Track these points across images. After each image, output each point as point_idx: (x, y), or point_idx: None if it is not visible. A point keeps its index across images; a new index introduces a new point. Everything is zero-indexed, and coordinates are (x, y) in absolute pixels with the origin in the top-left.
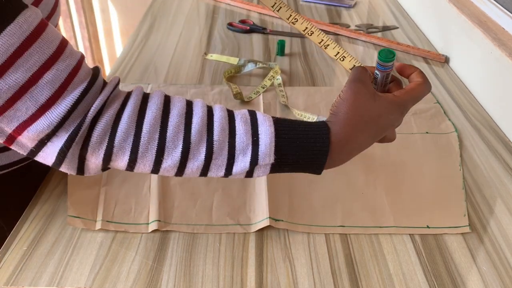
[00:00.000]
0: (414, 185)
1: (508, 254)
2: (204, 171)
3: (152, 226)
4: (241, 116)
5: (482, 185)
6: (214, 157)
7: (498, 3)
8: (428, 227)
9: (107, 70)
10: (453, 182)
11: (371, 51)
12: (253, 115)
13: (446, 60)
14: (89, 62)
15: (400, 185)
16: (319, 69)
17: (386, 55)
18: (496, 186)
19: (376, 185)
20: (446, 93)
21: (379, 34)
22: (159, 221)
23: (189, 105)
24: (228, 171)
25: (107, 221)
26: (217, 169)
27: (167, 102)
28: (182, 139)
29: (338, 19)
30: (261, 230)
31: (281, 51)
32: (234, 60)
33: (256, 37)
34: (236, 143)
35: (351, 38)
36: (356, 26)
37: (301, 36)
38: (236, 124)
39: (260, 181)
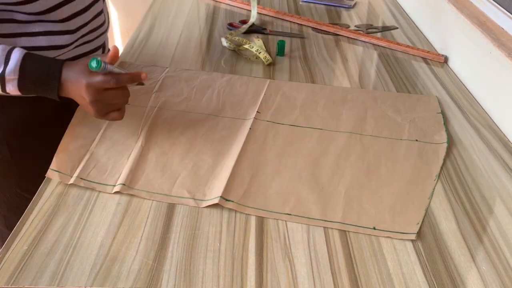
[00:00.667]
0: (378, 187)
1: (507, 254)
2: None
3: (116, 189)
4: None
5: (481, 185)
6: None
7: (498, 4)
8: (374, 228)
9: None
10: (421, 190)
11: (371, 51)
12: (10, 49)
13: (445, 60)
14: None
15: (364, 185)
16: (319, 69)
17: (91, 65)
18: (496, 186)
19: (339, 183)
20: (445, 93)
21: (379, 35)
22: (124, 185)
23: None
24: None
25: (81, 178)
26: None
27: None
28: None
29: (337, 20)
30: (261, 229)
31: (281, 51)
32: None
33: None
34: None
35: (351, 38)
36: (355, 26)
37: (301, 36)
38: None
39: (228, 164)
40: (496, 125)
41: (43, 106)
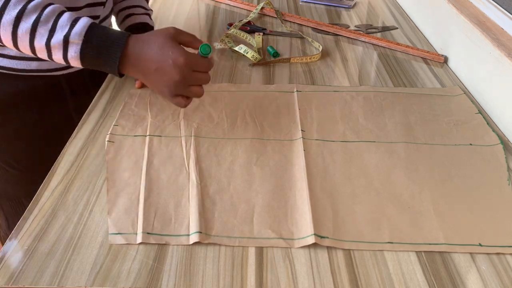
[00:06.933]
0: (462, 198)
1: (507, 254)
2: (32, 36)
3: (194, 238)
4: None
5: None
6: (39, 25)
7: (497, 4)
8: (480, 245)
9: None
10: (503, 197)
11: (371, 51)
12: (77, 17)
13: (445, 60)
14: None
15: (448, 198)
16: (319, 70)
17: (205, 49)
18: None
19: (422, 198)
20: None
21: (379, 35)
22: (200, 232)
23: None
24: (49, 40)
25: (148, 233)
26: (41, 37)
27: None
28: (22, 5)
29: (337, 20)
30: None
31: (276, 55)
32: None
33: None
34: (59, 20)
35: (351, 38)
36: (355, 26)
37: (300, 36)
38: (65, 13)
39: (302, 193)
40: (496, 125)
41: (27, 84)
